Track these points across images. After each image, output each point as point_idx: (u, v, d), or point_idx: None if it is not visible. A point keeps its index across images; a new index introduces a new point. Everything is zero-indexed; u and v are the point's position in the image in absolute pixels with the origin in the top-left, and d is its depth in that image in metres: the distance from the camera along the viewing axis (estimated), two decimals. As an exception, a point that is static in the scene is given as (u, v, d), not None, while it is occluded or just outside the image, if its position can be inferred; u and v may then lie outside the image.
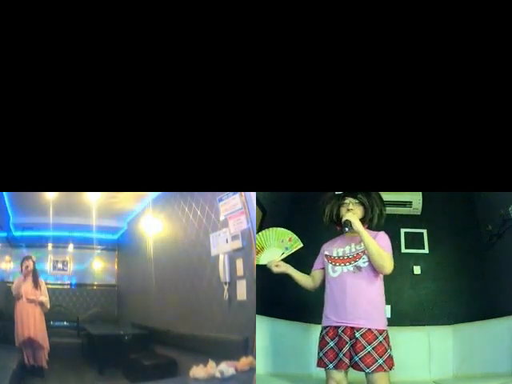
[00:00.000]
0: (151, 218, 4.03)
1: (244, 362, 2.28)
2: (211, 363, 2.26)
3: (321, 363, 2.08)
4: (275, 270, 2.21)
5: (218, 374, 2.19)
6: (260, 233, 2.32)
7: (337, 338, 2.04)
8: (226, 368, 2.22)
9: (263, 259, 2.27)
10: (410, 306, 3.14)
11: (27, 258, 3.39)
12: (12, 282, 3.56)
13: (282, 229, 2.32)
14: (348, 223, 2.06)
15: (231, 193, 2.73)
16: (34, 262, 3.34)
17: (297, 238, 2.29)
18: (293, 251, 2.27)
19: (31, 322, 3.18)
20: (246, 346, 2.45)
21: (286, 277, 3.19)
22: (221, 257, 2.85)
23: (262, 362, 2.34)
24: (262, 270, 2.60)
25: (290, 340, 2.73)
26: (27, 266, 3.29)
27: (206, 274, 3.12)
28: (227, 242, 2.83)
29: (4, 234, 4.49)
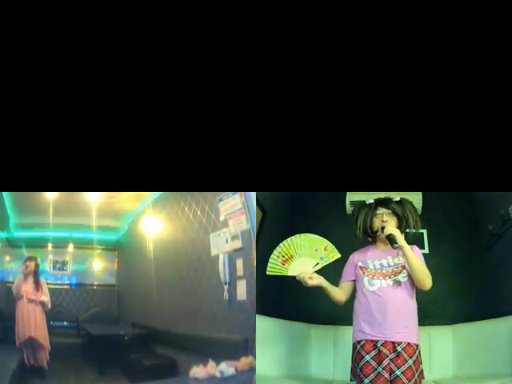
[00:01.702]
0: (151, 217, 4.03)
1: (244, 361, 2.29)
2: (211, 363, 2.26)
3: (357, 379, 1.98)
4: (309, 282, 1.99)
5: (218, 374, 2.20)
6: (288, 239, 2.08)
7: (374, 352, 1.95)
8: (226, 368, 2.22)
9: (293, 270, 2.04)
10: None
11: (30, 258, 3.39)
12: (12, 282, 3.56)
13: (316, 236, 2.08)
14: (392, 238, 1.97)
15: (231, 193, 2.73)
16: (36, 264, 3.34)
17: (333, 247, 2.06)
18: (328, 262, 2.04)
19: (32, 322, 3.18)
20: (246, 346, 2.45)
21: (286, 277, 3.19)
22: (221, 257, 2.85)
23: (262, 362, 2.34)
24: (262, 269, 2.60)
25: (290, 340, 2.73)
26: (27, 266, 3.29)
27: (205, 274, 3.12)
28: (227, 242, 2.83)
29: (4, 234, 4.49)
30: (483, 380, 2.41)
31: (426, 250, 3.27)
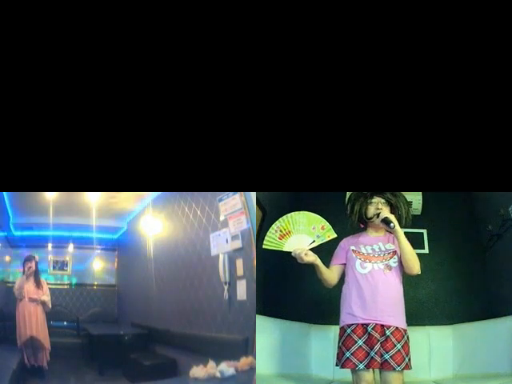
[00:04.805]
0: (151, 218, 4.03)
1: (244, 362, 2.29)
2: (211, 363, 2.27)
3: (349, 363, 2.00)
4: (304, 259, 2.02)
5: (218, 374, 2.20)
6: (288, 215, 2.10)
7: (366, 336, 2.01)
8: (226, 368, 2.22)
9: (289, 245, 2.06)
10: (410, 306, 3.14)
11: (30, 258, 3.38)
12: (12, 282, 3.57)
13: (314, 214, 2.11)
14: (389, 220, 2.07)
15: (231, 193, 2.73)
16: (36, 262, 3.34)
17: (330, 226, 2.09)
18: (324, 241, 2.08)
19: (33, 322, 3.19)
20: (246, 346, 2.45)
21: (286, 275, 3.19)
22: (221, 257, 2.85)
23: (262, 362, 2.34)
24: (262, 270, 2.60)
25: (290, 340, 2.73)
26: (30, 267, 3.29)
27: (205, 274, 3.12)
28: (227, 241, 2.83)
29: (4, 234, 4.49)
30: (483, 380, 2.41)
31: (426, 250, 3.28)
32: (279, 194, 3.22)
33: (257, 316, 2.41)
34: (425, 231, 3.32)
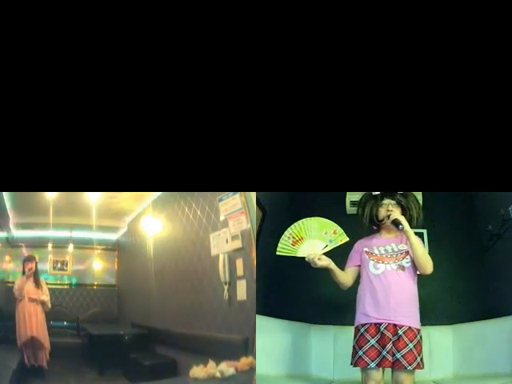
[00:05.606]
0: (151, 218, 4.04)
1: (244, 362, 2.29)
2: (211, 363, 2.27)
3: (361, 362, 2.03)
4: (318, 263, 2.06)
5: (218, 374, 2.20)
6: (300, 221, 2.15)
7: (378, 336, 2.02)
8: (226, 368, 2.22)
9: (303, 251, 2.11)
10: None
11: (30, 258, 3.38)
12: (12, 282, 3.56)
13: (326, 219, 2.16)
14: (398, 222, 2.08)
15: (231, 193, 2.73)
16: (36, 262, 3.34)
17: (342, 231, 2.14)
18: (337, 245, 2.12)
19: (33, 322, 3.19)
20: (246, 346, 2.45)
21: (286, 275, 3.19)
22: (221, 257, 2.85)
23: (262, 362, 2.34)
24: (262, 270, 2.59)
25: (290, 340, 2.73)
26: (30, 268, 3.28)
27: (205, 274, 3.12)
28: (227, 242, 2.83)
29: (4, 234, 4.49)
30: (483, 380, 2.41)
31: (426, 250, 3.27)
32: (279, 194, 3.21)
33: (257, 316, 2.41)
34: (425, 231, 3.31)
